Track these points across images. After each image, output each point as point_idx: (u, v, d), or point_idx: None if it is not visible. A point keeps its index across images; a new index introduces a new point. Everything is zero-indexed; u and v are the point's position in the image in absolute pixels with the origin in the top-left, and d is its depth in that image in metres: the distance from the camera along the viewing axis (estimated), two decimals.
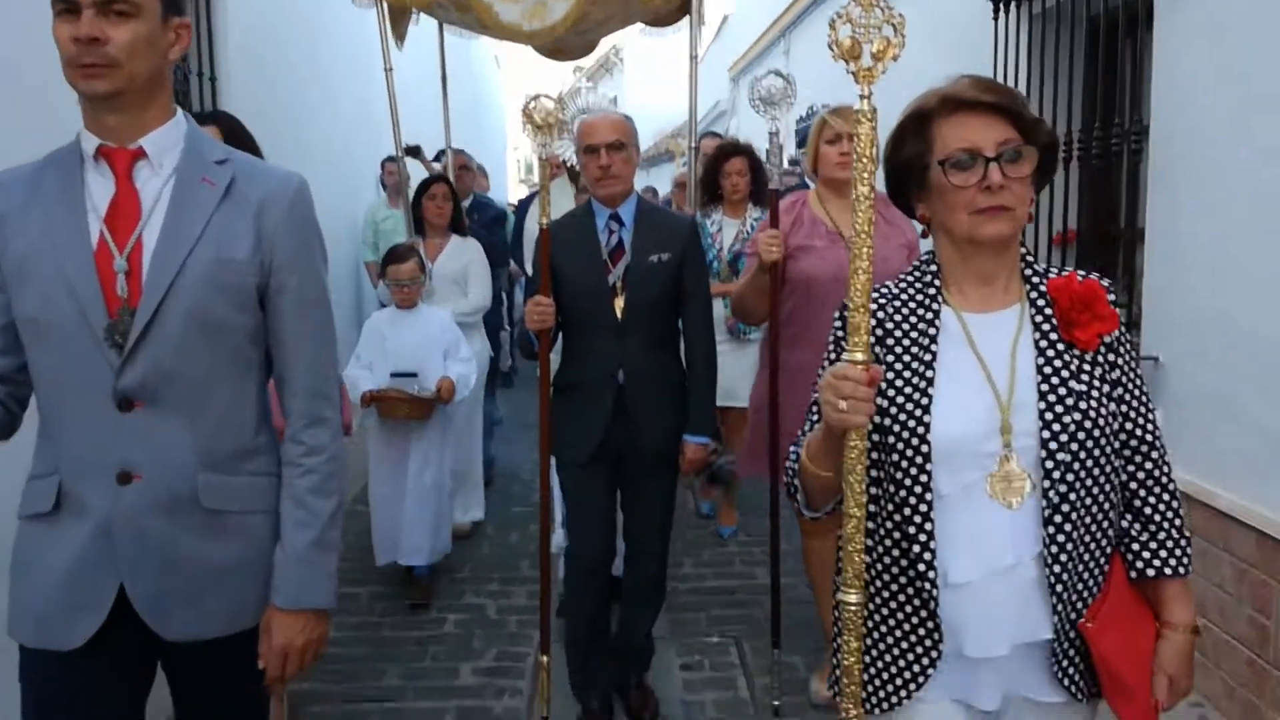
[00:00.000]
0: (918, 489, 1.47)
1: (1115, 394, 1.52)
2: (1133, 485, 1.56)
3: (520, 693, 3.37)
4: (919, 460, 1.47)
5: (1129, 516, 1.57)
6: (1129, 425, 1.54)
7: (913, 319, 1.56)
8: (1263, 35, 2.92)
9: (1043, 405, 1.47)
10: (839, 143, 3.04)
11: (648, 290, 2.92)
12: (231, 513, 1.62)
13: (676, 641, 3.70)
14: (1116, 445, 1.53)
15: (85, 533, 1.56)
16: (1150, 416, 1.56)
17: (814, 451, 1.50)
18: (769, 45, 10.95)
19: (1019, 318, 1.54)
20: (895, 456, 1.49)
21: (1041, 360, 1.50)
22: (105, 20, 1.47)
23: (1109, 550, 1.55)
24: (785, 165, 3.19)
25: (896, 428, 1.49)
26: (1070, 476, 1.45)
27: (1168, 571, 1.55)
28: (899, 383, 1.51)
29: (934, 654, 1.51)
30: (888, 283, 1.62)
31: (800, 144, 6.62)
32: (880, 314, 1.57)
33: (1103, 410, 1.48)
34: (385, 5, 4.66)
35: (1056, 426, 1.46)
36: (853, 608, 1.44)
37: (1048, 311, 1.53)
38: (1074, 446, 1.45)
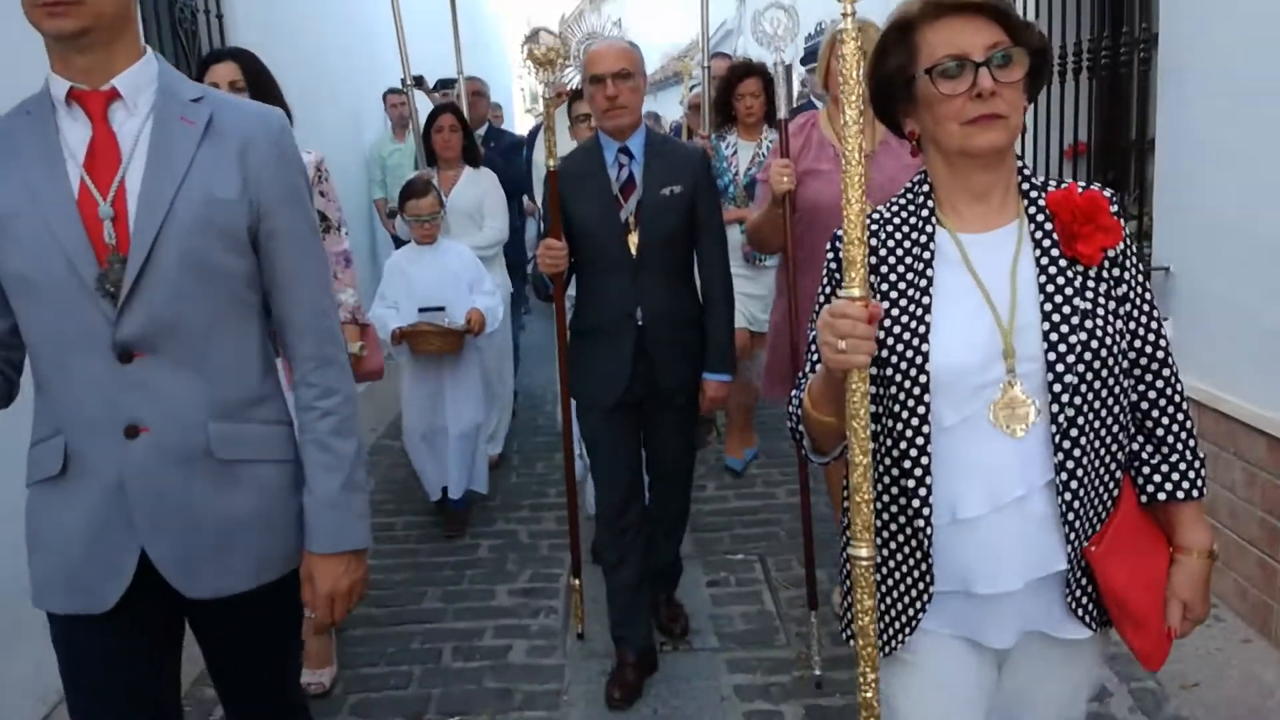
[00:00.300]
0: (915, 421, 1.41)
1: (1122, 310, 1.44)
2: (1143, 405, 1.50)
3: (555, 611, 3.52)
4: (916, 391, 1.41)
5: (1139, 438, 1.51)
6: (1136, 343, 1.46)
7: (906, 243, 1.48)
8: None
9: (1046, 326, 1.39)
10: None
11: (662, 225, 2.85)
12: (246, 462, 1.58)
13: (702, 560, 3.83)
14: (1125, 364, 1.45)
15: (98, 492, 1.51)
16: (1160, 332, 1.49)
17: (815, 395, 1.44)
18: None
19: (1017, 235, 1.46)
20: (893, 389, 1.42)
21: (1044, 279, 1.42)
22: None
23: (1119, 475, 1.48)
24: (796, 93, 3.16)
25: (893, 358, 1.42)
26: (1079, 400, 1.38)
27: (1180, 495, 1.49)
28: (894, 311, 1.44)
29: (925, 597, 1.46)
30: (879, 207, 1.53)
31: (806, 61, 6.51)
32: (873, 240, 1.49)
33: (1109, 328, 1.40)
34: None
35: (1062, 348, 1.38)
36: (863, 563, 1.36)
37: (1048, 227, 1.45)
38: (1081, 368, 1.38)
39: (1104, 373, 1.40)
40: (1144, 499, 1.50)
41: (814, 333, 1.50)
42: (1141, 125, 3.92)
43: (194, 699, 2.83)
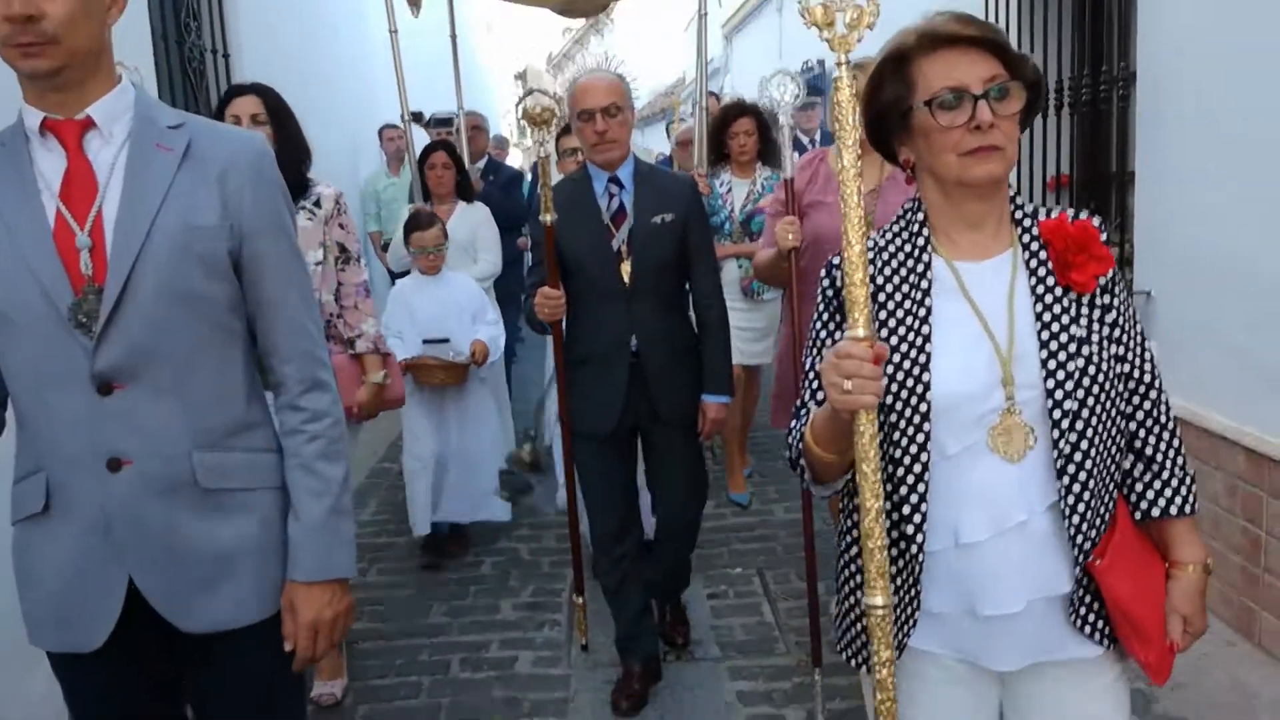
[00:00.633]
0: (913, 449, 1.42)
1: (1113, 335, 1.47)
2: (1132, 426, 1.52)
3: (559, 624, 3.60)
4: (916, 420, 1.42)
5: (1130, 457, 1.54)
6: (1125, 366, 1.48)
7: (903, 271, 1.48)
8: (1239, 20, 3.08)
9: (1044, 354, 1.41)
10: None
11: (654, 252, 2.87)
12: (233, 491, 1.53)
13: (702, 574, 3.92)
14: (1121, 388, 1.47)
15: (83, 527, 1.47)
16: (1147, 355, 1.52)
17: (818, 432, 1.43)
18: (761, 2, 11.03)
19: (1012, 264, 1.47)
20: (893, 416, 1.43)
21: (1040, 307, 1.43)
22: None
23: (1115, 494, 1.50)
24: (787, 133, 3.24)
25: (894, 386, 1.42)
26: (1080, 424, 1.40)
27: (1173, 511, 1.51)
28: (893, 340, 1.44)
29: (912, 621, 1.48)
30: (873, 234, 1.54)
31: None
32: (870, 268, 1.46)
33: (1104, 354, 1.43)
34: None
35: (1061, 375, 1.40)
36: (879, 612, 1.34)
37: (1042, 255, 1.46)
38: (1080, 394, 1.40)
39: (1101, 397, 1.42)
40: (1138, 516, 1.53)
41: (809, 360, 1.56)
42: (1122, 158, 4.09)
43: None
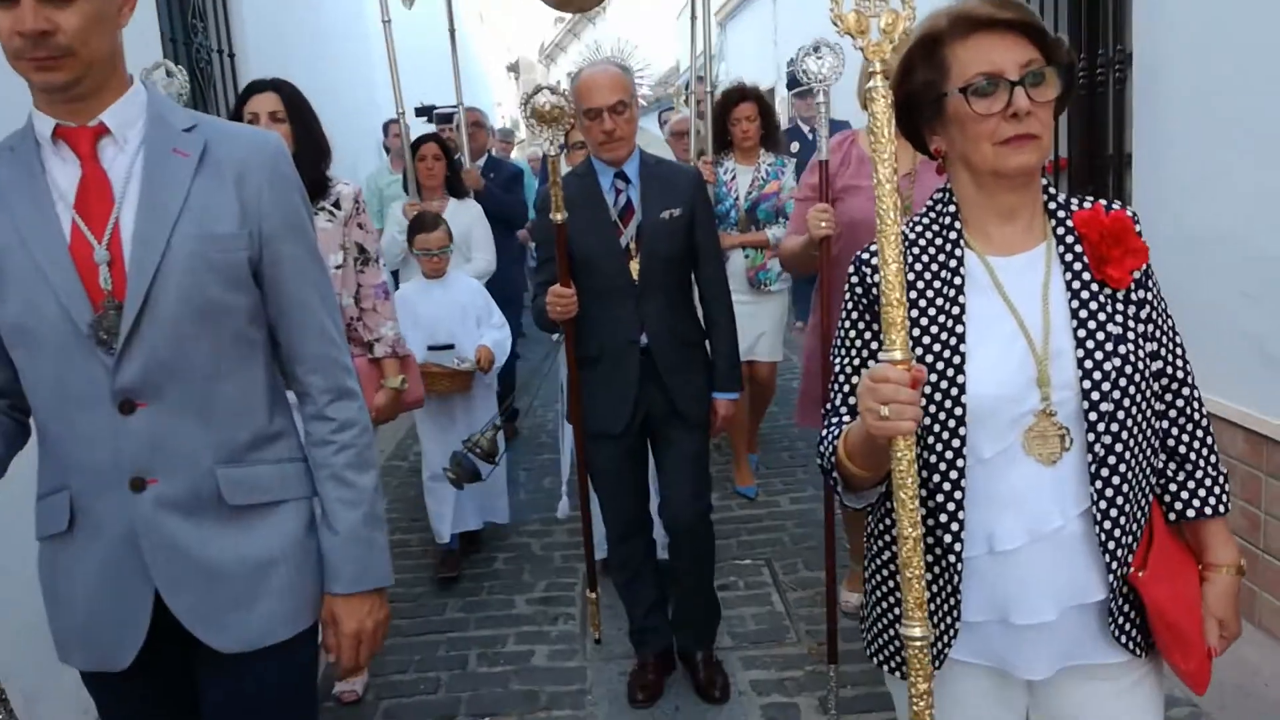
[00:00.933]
0: (949, 453, 1.37)
1: (1148, 331, 1.41)
2: (1164, 424, 1.48)
3: (573, 618, 3.65)
4: (952, 424, 1.37)
5: (1163, 456, 1.49)
6: (1158, 363, 1.43)
7: (934, 266, 1.43)
8: (1233, 5, 3.12)
9: (1081, 353, 1.36)
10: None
11: (663, 248, 2.85)
12: (260, 505, 1.51)
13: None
14: (1155, 386, 1.42)
15: (109, 547, 1.45)
16: (1179, 352, 1.48)
17: (851, 448, 1.38)
18: None
19: (1046, 257, 1.42)
20: (926, 419, 1.37)
21: (1076, 303, 1.38)
22: (49, 5, 1.31)
23: (1150, 497, 1.46)
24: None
25: (928, 389, 1.37)
26: (1115, 426, 1.35)
27: (1208, 511, 1.47)
28: (926, 339, 1.39)
29: (953, 631, 1.43)
30: (902, 228, 1.43)
31: (790, 86, 6.66)
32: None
33: (1140, 352, 1.38)
34: None
35: (1097, 375, 1.35)
36: (917, 644, 1.30)
37: (1077, 249, 1.41)
38: (1116, 394, 1.35)
39: (1137, 398, 1.37)
40: (1171, 517, 1.50)
41: (837, 359, 1.51)
42: (1119, 140, 4.11)
43: None
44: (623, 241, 2.85)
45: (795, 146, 5.50)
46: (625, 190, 2.89)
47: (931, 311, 1.41)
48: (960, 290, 1.41)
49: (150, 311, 1.39)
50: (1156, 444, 1.46)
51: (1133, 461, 1.38)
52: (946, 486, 1.39)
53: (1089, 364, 1.36)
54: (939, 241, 1.45)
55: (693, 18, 4.83)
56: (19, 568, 1.45)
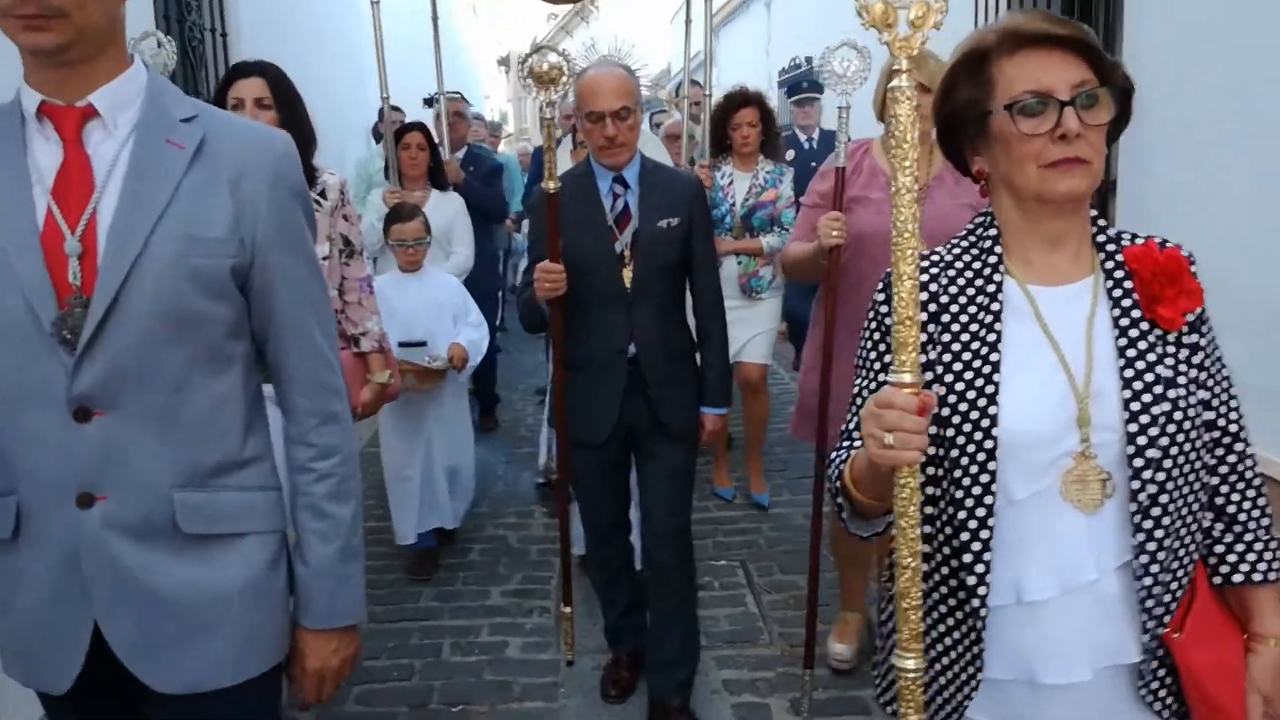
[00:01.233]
0: (977, 490, 1.29)
1: (1200, 379, 1.32)
2: (1214, 481, 1.38)
3: (548, 611, 3.67)
4: (981, 458, 1.28)
5: (1210, 515, 1.40)
6: (1209, 414, 1.34)
7: (970, 291, 1.35)
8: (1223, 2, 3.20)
9: (1128, 394, 1.27)
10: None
11: (658, 257, 2.76)
12: (219, 536, 1.39)
13: None
14: (1205, 438, 1.33)
15: (50, 564, 1.34)
16: (1233, 404, 1.39)
17: (858, 475, 1.32)
18: None
19: (1093, 291, 1.33)
20: (954, 452, 1.30)
21: (1124, 341, 1.30)
22: None
23: (1195, 555, 1.36)
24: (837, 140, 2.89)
25: (955, 418, 1.29)
26: (1160, 476, 1.26)
27: (1256, 578, 1.38)
28: (957, 366, 1.31)
29: (974, 683, 1.34)
30: (938, 249, 1.42)
31: (791, 93, 6.68)
32: (933, 286, 1.36)
33: (1191, 399, 1.29)
34: None
35: (1144, 419, 1.26)
36: (910, 675, 1.23)
37: (1127, 285, 1.32)
38: (1164, 442, 1.26)
39: (1186, 447, 1.28)
40: (1216, 580, 1.40)
41: (857, 382, 1.44)
42: (1105, 167, 4.19)
43: None
44: (617, 248, 2.77)
45: (791, 154, 5.45)
46: (623, 195, 2.80)
47: (965, 338, 1.33)
48: (997, 317, 1.32)
49: (118, 312, 1.28)
50: (1204, 499, 1.36)
51: (1178, 514, 1.29)
52: (973, 525, 1.30)
53: (1136, 406, 1.27)
54: (977, 265, 1.37)
55: (688, 20, 4.82)
56: None
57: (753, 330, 4.53)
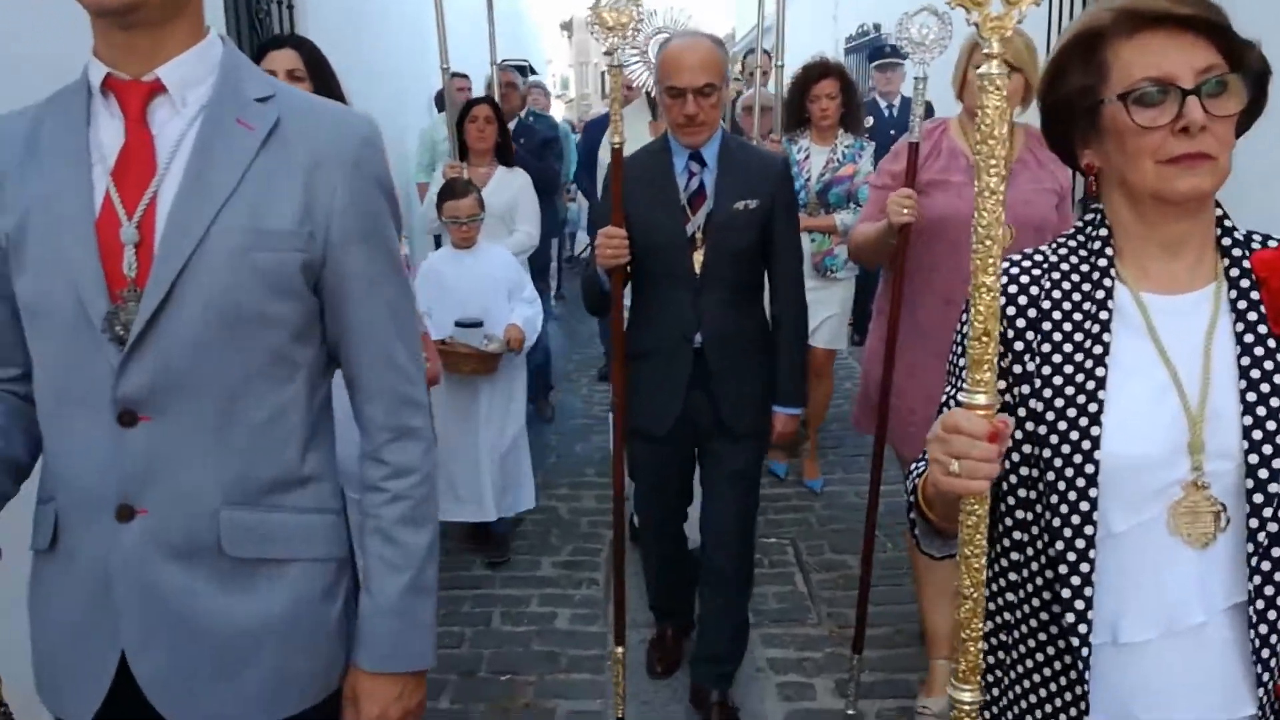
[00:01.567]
0: (1076, 519, 1.17)
1: None
2: None
3: (597, 583, 3.71)
4: (1081, 483, 1.17)
5: None
6: None
7: (1076, 296, 1.22)
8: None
9: (1248, 420, 1.14)
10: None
11: (731, 242, 2.60)
12: (266, 561, 1.26)
13: None
14: None
15: (82, 581, 1.24)
16: None
17: (930, 496, 1.21)
18: None
19: (1214, 301, 1.20)
20: (1050, 475, 1.19)
21: (1246, 360, 1.16)
22: None
23: None
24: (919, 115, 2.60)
25: (1053, 437, 1.18)
26: None
27: None
28: (1058, 380, 1.19)
29: None
30: (1043, 249, 1.29)
31: (872, 58, 6.48)
32: (1034, 289, 1.24)
33: None
34: None
35: (1267, 449, 1.13)
36: (965, 707, 1.14)
37: (1253, 296, 1.19)
38: None
39: None
40: None
41: (949, 390, 1.33)
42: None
43: None
44: (689, 229, 2.61)
45: (870, 121, 5.20)
46: (699, 174, 2.64)
47: (1067, 348, 1.20)
48: (1105, 327, 1.20)
49: (172, 308, 1.18)
50: None
51: None
52: (1071, 558, 1.18)
53: (1258, 433, 1.14)
54: (1085, 268, 1.24)
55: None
56: (22, 563, 1.32)
57: (825, 312, 4.35)
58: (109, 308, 1.18)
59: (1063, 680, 1.23)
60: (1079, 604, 1.18)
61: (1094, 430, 1.16)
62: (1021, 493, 1.23)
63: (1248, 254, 1.21)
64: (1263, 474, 1.14)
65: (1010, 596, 1.28)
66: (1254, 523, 1.14)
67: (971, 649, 1.14)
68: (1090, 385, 1.18)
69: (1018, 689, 1.28)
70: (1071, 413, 1.18)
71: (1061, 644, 1.22)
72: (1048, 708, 1.25)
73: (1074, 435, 1.17)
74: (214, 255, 1.18)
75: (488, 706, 2.99)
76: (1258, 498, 1.13)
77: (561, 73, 31.87)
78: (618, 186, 2.50)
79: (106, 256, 1.18)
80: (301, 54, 2.60)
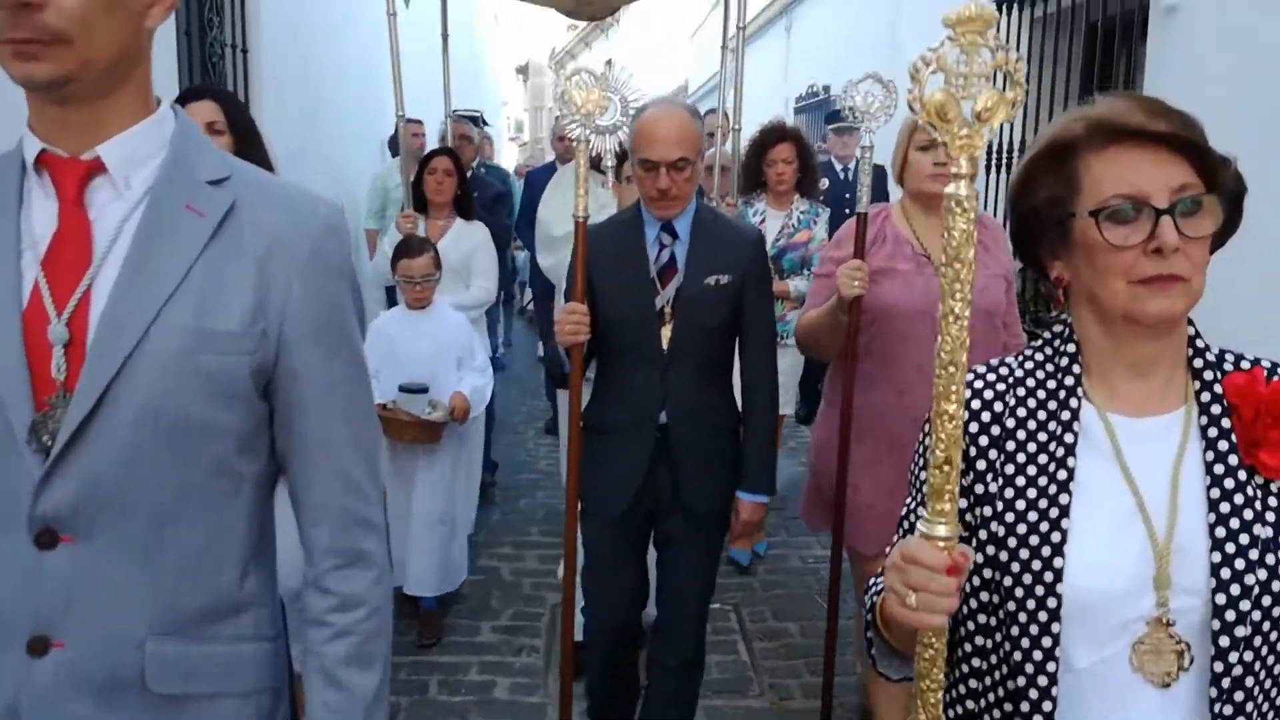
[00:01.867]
0: (1037, 654, 1.12)
1: None
2: None
3: (537, 650, 3.63)
4: (1043, 618, 1.12)
5: None
6: None
7: (1041, 415, 1.18)
8: (1245, 51, 3.22)
9: (1217, 557, 1.10)
10: (932, 150, 2.54)
11: (701, 318, 2.50)
12: (195, 696, 1.14)
13: None
14: None
15: None
16: None
17: (887, 617, 1.13)
18: (769, 22, 11.08)
19: (1183, 427, 1.16)
20: (1012, 605, 1.14)
21: (1216, 492, 1.12)
22: None
23: None
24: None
25: (1014, 565, 1.13)
26: (1249, 655, 1.09)
27: None
28: (1020, 504, 1.15)
29: None
30: (1009, 360, 1.25)
31: (829, 120, 6.58)
32: (999, 404, 1.20)
33: None
34: None
35: (1235, 589, 1.09)
36: None
37: (1224, 423, 1.15)
38: (1256, 616, 1.09)
39: None
40: None
41: (910, 498, 1.29)
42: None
43: None
44: (658, 304, 2.51)
45: (825, 184, 5.21)
46: (670, 246, 2.54)
47: (1031, 470, 1.16)
48: (1070, 451, 1.15)
49: (103, 416, 1.05)
50: None
51: (1266, 698, 1.13)
52: (1034, 695, 1.13)
53: (1226, 572, 1.10)
54: (1051, 385, 1.20)
55: (724, 46, 4.75)
56: None
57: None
58: (34, 416, 1.04)
59: None
60: None
61: (1057, 562, 1.12)
62: (981, 618, 1.18)
63: (1219, 376, 1.18)
64: (1229, 615, 1.09)
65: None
66: (1218, 666, 1.09)
67: None
68: (1054, 513, 1.14)
69: None
70: (1034, 541, 1.13)
71: None
72: None
73: (1036, 565, 1.13)
74: (153, 358, 1.06)
75: None
76: (1223, 640, 1.09)
77: (517, 116, 32.00)
78: (581, 261, 2.44)
79: (33, 357, 1.05)
80: (222, 106, 2.51)
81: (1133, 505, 1.13)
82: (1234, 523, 1.11)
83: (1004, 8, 5.23)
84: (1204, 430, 1.15)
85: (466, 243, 4.36)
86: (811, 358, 3.45)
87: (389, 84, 4.48)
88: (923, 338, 2.51)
